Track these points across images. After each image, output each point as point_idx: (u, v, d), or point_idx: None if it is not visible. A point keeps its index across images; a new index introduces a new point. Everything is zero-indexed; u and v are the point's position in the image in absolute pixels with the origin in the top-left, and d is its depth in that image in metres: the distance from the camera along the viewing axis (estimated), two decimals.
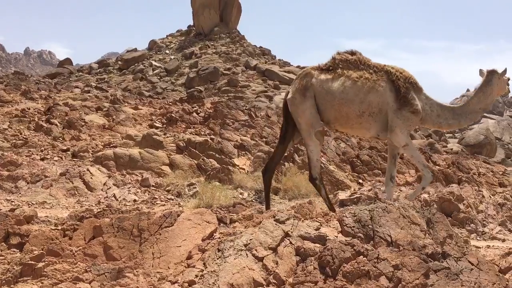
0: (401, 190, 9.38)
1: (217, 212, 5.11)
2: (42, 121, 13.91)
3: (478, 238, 7.15)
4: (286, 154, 6.46)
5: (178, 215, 4.45)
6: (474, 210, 7.78)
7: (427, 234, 4.18)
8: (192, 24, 64.72)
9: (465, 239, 5.45)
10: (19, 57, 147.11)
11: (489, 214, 7.74)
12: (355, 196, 8.43)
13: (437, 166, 14.34)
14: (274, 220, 4.28)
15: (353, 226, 4.23)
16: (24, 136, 12.18)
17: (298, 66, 53.13)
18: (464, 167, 13.82)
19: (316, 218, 4.64)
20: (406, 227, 4.17)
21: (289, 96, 5.82)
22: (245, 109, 20.23)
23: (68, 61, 57.56)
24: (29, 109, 15.28)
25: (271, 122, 18.51)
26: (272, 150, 12.86)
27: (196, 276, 3.76)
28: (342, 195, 8.97)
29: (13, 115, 14.25)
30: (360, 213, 4.31)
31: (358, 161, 13.99)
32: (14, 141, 11.63)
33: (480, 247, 5.13)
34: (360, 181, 12.71)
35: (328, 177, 11.65)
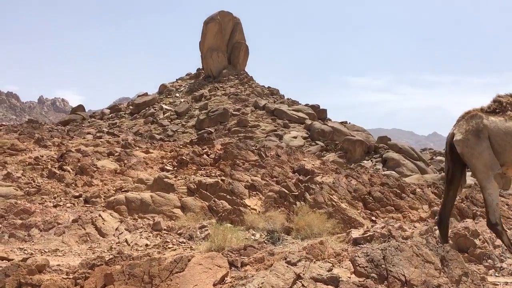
0: (415, 227, 9.25)
1: (228, 255, 5.08)
2: (55, 168, 14.08)
3: (497, 274, 6.94)
4: (456, 198, 5.99)
5: (189, 260, 4.44)
6: (490, 245, 7.61)
7: (441, 273, 4.10)
8: (201, 67, 66.20)
9: (482, 276, 5.33)
10: (33, 105, 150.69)
11: (506, 249, 7.54)
12: (368, 234, 8.33)
13: None
14: (286, 262, 4.24)
15: (366, 266, 4.17)
16: (37, 184, 12.31)
17: (306, 105, 53.69)
18: (478, 201, 13.61)
19: (328, 258, 4.60)
20: (420, 266, 4.11)
21: (459, 137, 5.57)
22: (255, 149, 20.32)
23: (80, 107, 58.76)
24: (42, 156, 15.51)
25: (281, 161, 18.52)
26: (284, 189, 12.84)
27: None
28: (355, 233, 8.86)
29: (27, 163, 14.45)
30: (372, 253, 4.26)
31: (370, 198, 13.85)
32: (27, 189, 11.76)
33: (498, 283, 5.00)
34: (373, 218, 12.56)
35: (340, 215, 11.55)
